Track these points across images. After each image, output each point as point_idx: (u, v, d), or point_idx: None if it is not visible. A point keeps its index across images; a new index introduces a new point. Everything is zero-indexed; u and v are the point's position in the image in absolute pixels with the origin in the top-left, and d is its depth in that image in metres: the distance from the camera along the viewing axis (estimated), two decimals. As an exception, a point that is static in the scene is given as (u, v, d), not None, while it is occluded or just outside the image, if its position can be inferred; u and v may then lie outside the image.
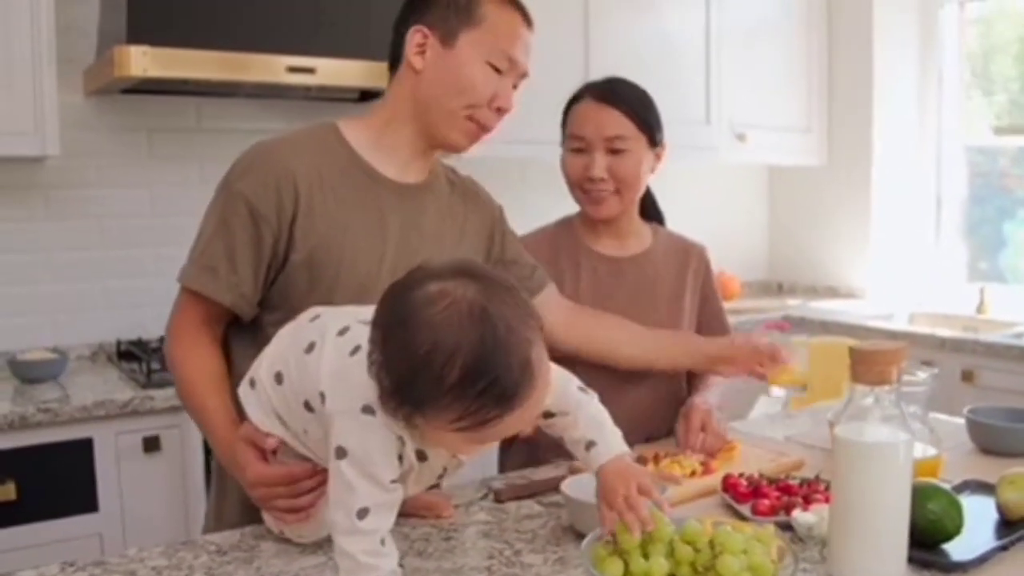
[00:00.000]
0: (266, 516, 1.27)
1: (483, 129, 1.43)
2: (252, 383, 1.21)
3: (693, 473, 1.48)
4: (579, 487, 1.29)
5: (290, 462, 1.19)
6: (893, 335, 3.16)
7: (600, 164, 1.70)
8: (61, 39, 2.53)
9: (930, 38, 3.93)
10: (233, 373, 1.39)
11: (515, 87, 1.44)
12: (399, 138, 1.43)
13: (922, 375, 1.41)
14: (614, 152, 1.70)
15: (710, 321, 1.91)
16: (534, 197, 2.74)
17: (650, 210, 1.91)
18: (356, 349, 1.04)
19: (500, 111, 1.42)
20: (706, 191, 4.13)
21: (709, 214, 4.14)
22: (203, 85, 2.61)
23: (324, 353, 1.09)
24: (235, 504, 1.41)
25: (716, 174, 4.15)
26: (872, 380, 1.07)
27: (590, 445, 1.17)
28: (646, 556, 0.97)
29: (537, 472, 1.57)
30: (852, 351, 1.08)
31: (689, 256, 1.88)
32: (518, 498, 1.44)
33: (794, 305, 3.81)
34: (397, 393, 0.96)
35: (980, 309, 3.55)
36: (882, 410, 1.08)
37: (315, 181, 1.36)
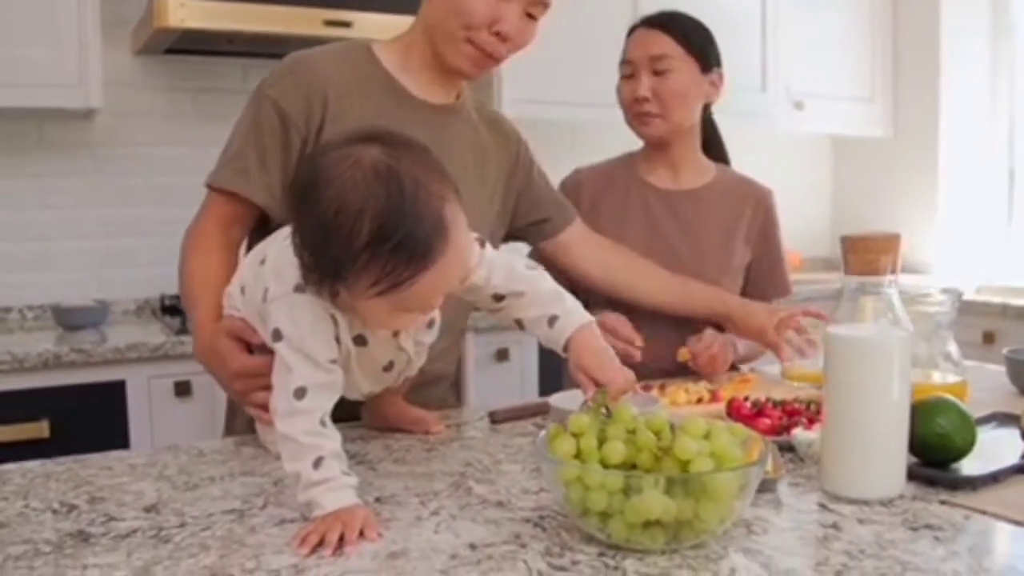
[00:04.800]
0: (258, 427, 1.25)
1: (487, 55, 1.37)
2: (227, 296, 1.23)
3: (700, 400, 1.42)
4: (567, 399, 1.24)
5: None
6: (954, 305, 3.01)
7: (645, 84, 1.73)
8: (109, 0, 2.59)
9: (1003, 2, 3.74)
10: None
11: (532, 16, 1.37)
12: (420, 60, 1.42)
13: (942, 297, 1.32)
14: (658, 73, 1.72)
15: (767, 271, 1.86)
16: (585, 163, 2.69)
17: (714, 148, 1.88)
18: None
19: (501, 36, 1.35)
20: (766, 162, 3.98)
21: (769, 186, 4.01)
22: (245, 42, 2.63)
23: (269, 257, 1.11)
24: (244, 422, 1.40)
25: (776, 145, 4.02)
26: (862, 270, 1.00)
27: (552, 320, 1.13)
28: (604, 440, 0.91)
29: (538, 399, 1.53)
30: (843, 240, 1.01)
31: (747, 198, 1.86)
32: (515, 419, 1.40)
33: (855, 280, 3.66)
34: (316, 266, 0.96)
35: (1054, 283, 3.37)
36: (876, 305, 1.01)
37: (344, 92, 1.36)
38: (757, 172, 4.30)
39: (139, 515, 0.99)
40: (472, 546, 0.89)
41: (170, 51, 2.76)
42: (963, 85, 3.76)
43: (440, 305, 1.05)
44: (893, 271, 1.00)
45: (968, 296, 3.27)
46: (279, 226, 1.36)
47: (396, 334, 1.12)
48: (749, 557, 0.87)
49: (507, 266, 1.15)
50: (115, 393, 2.26)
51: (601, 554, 0.87)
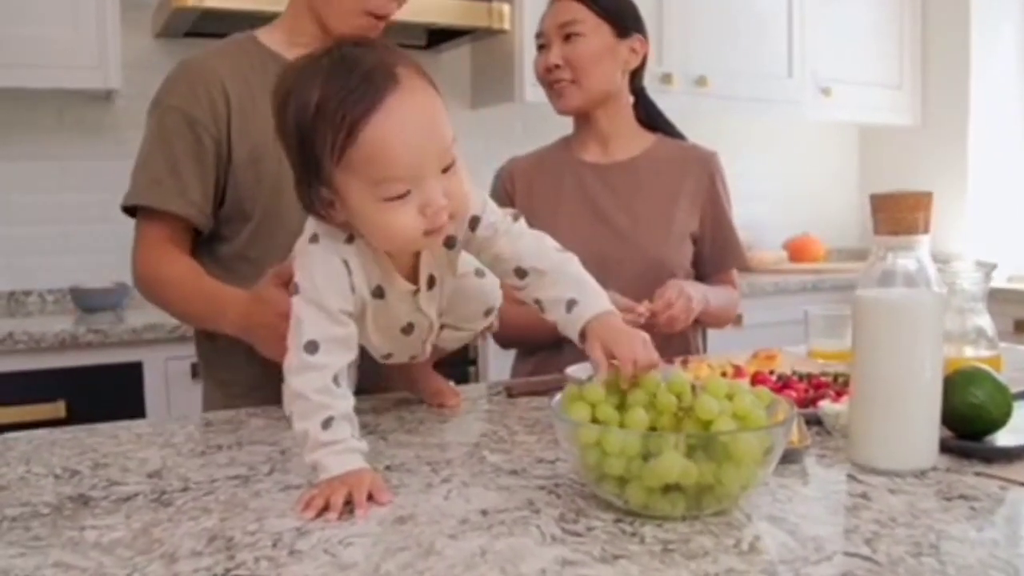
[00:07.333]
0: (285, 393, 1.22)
1: (381, 18, 1.36)
2: None
3: (723, 375, 1.38)
4: (585, 370, 1.20)
5: None
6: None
7: (555, 52, 1.68)
8: (130, -17, 2.59)
9: (1037, -14, 3.67)
10: None
11: None
12: (307, 37, 1.38)
13: (975, 270, 1.27)
14: (568, 39, 1.66)
15: (721, 240, 1.77)
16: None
17: (654, 119, 1.81)
18: None
19: None
20: (791, 150, 3.94)
21: (795, 174, 3.96)
22: (264, 23, 2.60)
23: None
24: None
25: (802, 132, 3.96)
26: (892, 229, 0.95)
27: (571, 304, 1.01)
28: (622, 408, 0.87)
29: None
30: (872, 198, 0.96)
31: (689, 162, 1.76)
32: (532, 394, 1.36)
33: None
34: (299, 166, 0.95)
35: (1088, 272, 3.29)
36: (907, 266, 0.96)
37: (242, 85, 1.35)
38: (783, 160, 4.26)
39: (142, 480, 0.96)
40: (483, 512, 0.86)
41: (189, 34, 2.74)
42: (993, 71, 3.68)
43: (450, 205, 0.94)
44: (925, 231, 0.95)
45: (999, 284, 3.20)
46: (216, 237, 1.37)
47: (416, 292, 1.07)
48: (774, 524, 0.82)
49: (536, 242, 1.07)
50: (132, 374, 2.24)
51: (618, 520, 0.83)
